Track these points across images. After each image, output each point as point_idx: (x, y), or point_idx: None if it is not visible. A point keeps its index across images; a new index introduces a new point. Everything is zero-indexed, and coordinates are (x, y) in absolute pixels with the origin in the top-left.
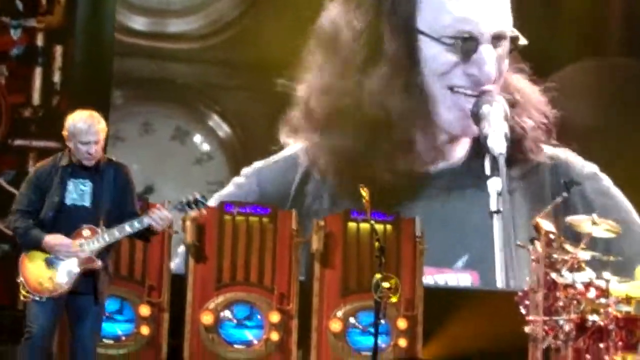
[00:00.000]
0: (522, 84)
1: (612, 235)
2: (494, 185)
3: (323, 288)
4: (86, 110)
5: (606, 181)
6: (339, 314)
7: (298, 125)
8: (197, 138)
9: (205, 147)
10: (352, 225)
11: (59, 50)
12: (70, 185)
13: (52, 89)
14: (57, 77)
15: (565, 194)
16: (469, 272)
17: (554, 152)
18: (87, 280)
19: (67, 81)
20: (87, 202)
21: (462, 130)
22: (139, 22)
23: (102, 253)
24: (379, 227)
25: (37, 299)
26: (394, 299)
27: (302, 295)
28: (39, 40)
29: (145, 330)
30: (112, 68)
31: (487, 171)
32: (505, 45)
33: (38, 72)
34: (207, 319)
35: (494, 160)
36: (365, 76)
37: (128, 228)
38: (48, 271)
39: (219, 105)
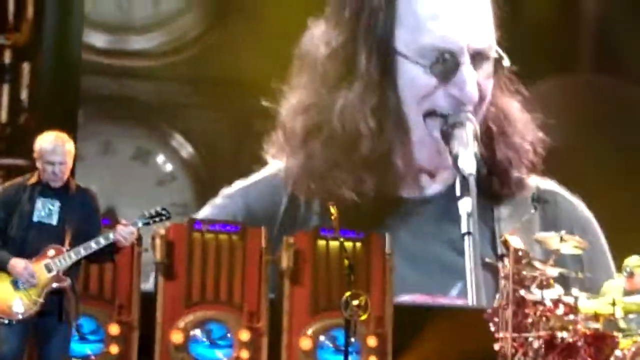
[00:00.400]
0: (512, 110)
1: (579, 251)
2: (465, 206)
3: (293, 306)
4: (54, 132)
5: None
6: (309, 331)
7: (278, 144)
8: (160, 158)
9: (169, 167)
10: (321, 242)
11: (26, 67)
12: (39, 203)
13: (19, 107)
14: (24, 95)
15: (533, 211)
16: (463, 299)
17: (541, 184)
18: (54, 299)
19: (34, 98)
20: (54, 221)
21: (435, 167)
22: (99, 40)
23: (69, 271)
24: (348, 244)
25: (6, 322)
26: (363, 317)
27: (272, 313)
28: (6, 58)
29: (114, 349)
30: (79, 85)
31: (458, 192)
32: (488, 65)
33: (5, 89)
34: (177, 337)
35: (465, 181)
36: (337, 95)
37: (93, 244)
38: (15, 293)
39: (182, 125)
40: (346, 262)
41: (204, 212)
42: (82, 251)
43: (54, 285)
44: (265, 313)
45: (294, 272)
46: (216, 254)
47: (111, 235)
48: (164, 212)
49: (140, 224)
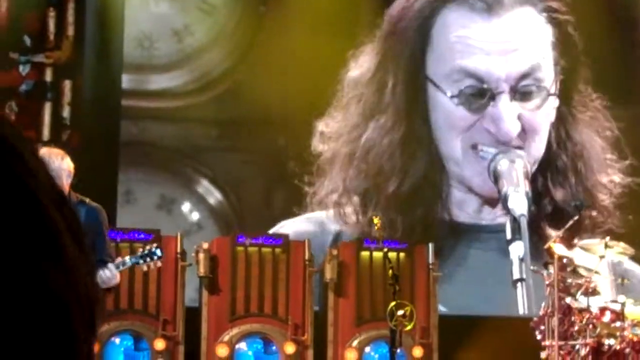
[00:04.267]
0: (589, 143)
1: (625, 257)
2: (516, 250)
3: (337, 318)
4: (51, 148)
5: None
6: (355, 343)
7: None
8: (186, 206)
9: (195, 216)
10: (365, 253)
11: (67, 85)
12: None
13: (61, 124)
14: (66, 112)
15: (576, 217)
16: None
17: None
18: None
19: (76, 116)
20: None
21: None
22: None
23: None
24: (392, 255)
25: None
26: (409, 327)
27: (317, 325)
28: (48, 76)
29: None
30: (120, 102)
31: (508, 235)
32: (541, 94)
33: (47, 107)
34: (222, 351)
35: (515, 223)
36: (366, 124)
37: None
38: None
39: (209, 169)
40: (390, 272)
41: None
42: None
43: None
44: (310, 325)
45: (338, 284)
46: (260, 267)
47: None
48: (156, 250)
49: (129, 263)
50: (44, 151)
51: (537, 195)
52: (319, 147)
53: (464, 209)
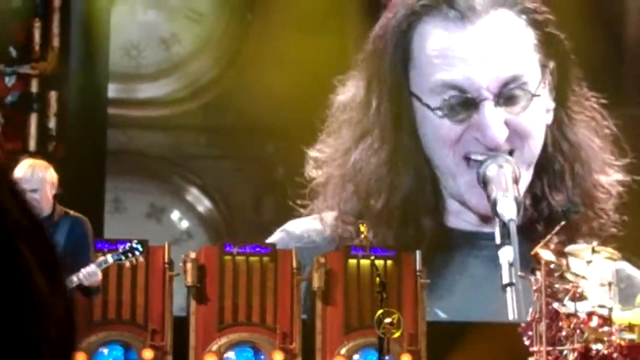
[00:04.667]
0: (587, 144)
1: (612, 262)
2: (506, 254)
3: (325, 326)
4: (35, 160)
5: None
6: (343, 351)
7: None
8: (175, 215)
9: (185, 224)
10: (352, 261)
11: (53, 96)
12: None
13: (47, 135)
14: (52, 123)
15: (563, 222)
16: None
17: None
18: None
19: (62, 127)
20: None
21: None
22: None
23: None
24: (379, 262)
25: None
26: (396, 334)
27: (305, 333)
28: (34, 87)
29: None
30: (106, 112)
31: (497, 240)
32: (525, 97)
33: (33, 118)
34: None
35: (505, 228)
36: (355, 147)
37: (69, 283)
38: None
39: (198, 177)
40: (377, 279)
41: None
42: None
43: None
44: (298, 334)
45: (326, 292)
46: (247, 276)
47: (74, 278)
48: (137, 245)
49: (111, 261)
50: (26, 163)
51: (535, 200)
52: (312, 173)
53: (463, 217)
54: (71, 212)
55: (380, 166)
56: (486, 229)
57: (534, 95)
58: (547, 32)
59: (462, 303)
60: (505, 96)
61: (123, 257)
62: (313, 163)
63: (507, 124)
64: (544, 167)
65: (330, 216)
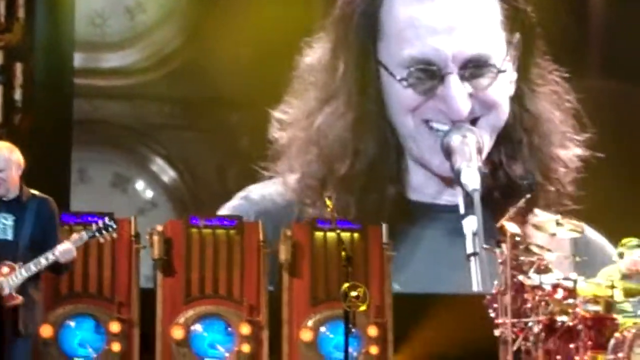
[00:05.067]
0: (548, 118)
1: (576, 234)
2: (470, 224)
3: (292, 298)
4: (1, 142)
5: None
6: (310, 323)
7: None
8: (140, 184)
9: (149, 194)
10: (319, 234)
11: (19, 67)
12: None
13: (13, 107)
14: (18, 95)
15: (528, 196)
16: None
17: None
18: (9, 315)
19: (28, 99)
20: (9, 236)
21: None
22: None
23: (24, 286)
24: (345, 235)
25: None
26: (362, 308)
27: (272, 305)
28: None
29: (116, 347)
30: (73, 85)
31: (461, 209)
32: (490, 72)
33: None
34: (177, 333)
35: (469, 197)
36: (320, 111)
37: (43, 260)
38: None
39: (162, 147)
40: (343, 253)
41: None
42: (32, 268)
43: (7, 304)
44: (265, 306)
45: (292, 265)
46: (214, 248)
47: (50, 255)
48: (110, 222)
49: (86, 237)
50: None
51: (493, 168)
52: (277, 134)
53: (423, 190)
54: (37, 193)
55: (346, 131)
56: (443, 201)
57: (499, 72)
58: (514, 5)
59: (418, 275)
60: (471, 71)
61: (97, 234)
62: (277, 125)
63: (471, 96)
64: (503, 136)
65: (292, 179)
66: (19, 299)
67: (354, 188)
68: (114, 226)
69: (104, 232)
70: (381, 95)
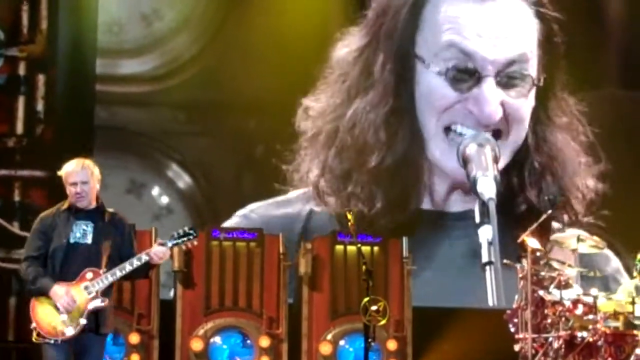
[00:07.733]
0: (565, 147)
1: (597, 250)
2: (485, 233)
3: (312, 311)
4: (84, 159)
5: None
6: (329, 336)
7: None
8: (155, 190)
9: (164, 200)
10: (339, 247)
11: (41, 79)
12: (74, 225)
13: (35, 118)
14: (40, 106)
15: (550, 211)
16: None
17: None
18: (91, 316)
19: (50, 110)
20: (89, 240)
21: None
22: None
23: (105, 290)
24: (366, 249)
25: (52, 342)
26: (382, 322)
27: (292, 318)
28: (21, 70)
29: (135, 358)
30: (94, 95)
31: (477, 219)
32: (524, 83)
33: (21, 101)
34: (196, 345)
35: (484, 207)
36: (353, 103)
37: (128, 266)
38: (59, 315)
39: (178, 153)
40: (364, 267)
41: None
42: (117, 273)
43: (94, 306)
44: (284, 319)
45: (312, 278)
46: (234, 261)
47: (144, 256)
48: (191, 231)
49: (169, 245)
50: (76, 160)
51: (511, 194)
52: (302, 124)
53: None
54: (111, 209)
55: (379, 122)
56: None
57: (534, 84)
58: (550, 28)
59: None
60: (507, 78)
61: (179, 241)
62: (303, 113)
63: (503, 105)
64: (522, 163)
65: (314, 174)
66: (106, 301)
67: (382, 180)
68: (195, 234)
69: (185, 239)
70: (415, 92)
